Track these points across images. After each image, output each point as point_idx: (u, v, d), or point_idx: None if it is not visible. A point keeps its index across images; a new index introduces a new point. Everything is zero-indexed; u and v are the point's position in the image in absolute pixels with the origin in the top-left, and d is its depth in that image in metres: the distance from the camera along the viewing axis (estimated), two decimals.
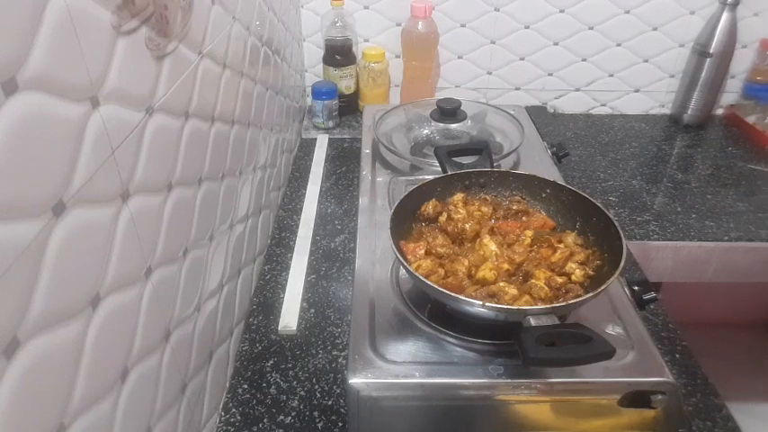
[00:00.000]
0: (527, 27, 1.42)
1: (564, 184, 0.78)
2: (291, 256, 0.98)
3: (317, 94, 1.35)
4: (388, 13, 1.40)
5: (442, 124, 1.08)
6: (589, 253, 0.68)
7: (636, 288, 0.70)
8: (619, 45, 1.44)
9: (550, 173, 0.92)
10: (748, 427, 0.68)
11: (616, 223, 0.67)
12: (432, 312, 0.67)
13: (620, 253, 0.62)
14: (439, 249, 0.70)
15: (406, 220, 0.74)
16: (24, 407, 0.33)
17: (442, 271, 0.67)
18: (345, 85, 1.43)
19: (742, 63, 1.43)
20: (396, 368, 0.60)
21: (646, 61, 1.46)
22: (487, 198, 0.79)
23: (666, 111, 1.53)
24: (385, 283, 0.72)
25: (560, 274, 0.65)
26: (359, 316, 0.67)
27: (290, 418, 0.71)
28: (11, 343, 0.32)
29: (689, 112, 1.44)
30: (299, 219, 1.08)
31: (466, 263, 0.67)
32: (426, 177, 0.80)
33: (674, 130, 1.46)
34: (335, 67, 1.40)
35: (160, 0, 0.51)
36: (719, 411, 0.71)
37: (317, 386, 0.75)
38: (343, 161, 1.28)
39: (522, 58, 1.46)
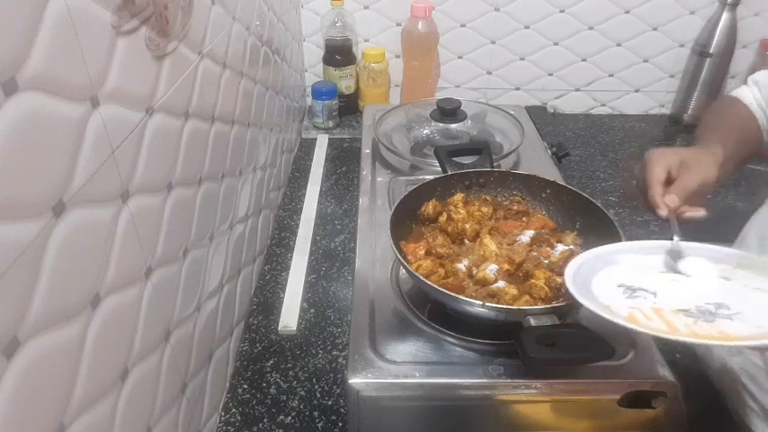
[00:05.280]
0: (527, 27, 1.42)
1: (564, 184, 0.78)
2: (291, 256, 0.98)
3: (317, 94, 1.35)
4: (388, 13, 1.40)
5: (442, 124, 1.08)
6: None
7: None
8: (619, 45, 1.44)
9: (550, 173, 0.92)
10: (751, 427, 0.68)
11: (616, 223, 0.67)
12: (432, 312, 0.67)
13: None
14: (439, 249, 0.70)
15: (406, 220, 0.74)
16: (24, 407, 0.33)
17: (442, 271, 0.67)
18: (345, 85, 1.43)
19: (742, 63, 1.43)
20: (396, 368, 0.60)
21: (646, 61, 1.46)
22: (487, 198, 0.79)
23: (666, 111, 1.53)
24: (385, 283, 0.72)
25: (560, 275, 0.65)
26: (359, 316, 0.67)
27: (290, 418, 0.71)
28: (11, 343, 0.32)
29: (689, 112, 1.44)
30: (299, 219, 1.08)
31: (466, 263, 0.67)
32: (426, 177, 0.80)
33: (674, 130, 1.46)
34: (335, 67, 1.40)
35: (160, 0, 0.51)
36: (721, 412, 0.71)
37: (316, 386, 0.75)
38: (343, 161, 1.28)
39: (522, 58, 1.46)
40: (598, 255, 0.61)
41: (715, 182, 0.64)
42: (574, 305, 0.55)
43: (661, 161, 0.65)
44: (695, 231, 1.08)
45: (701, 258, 0.60)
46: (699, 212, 0.63)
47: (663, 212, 0.62)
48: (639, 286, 0.56)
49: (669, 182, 0.64)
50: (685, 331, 0.49)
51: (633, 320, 0.50)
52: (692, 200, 0.63)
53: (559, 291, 0.63)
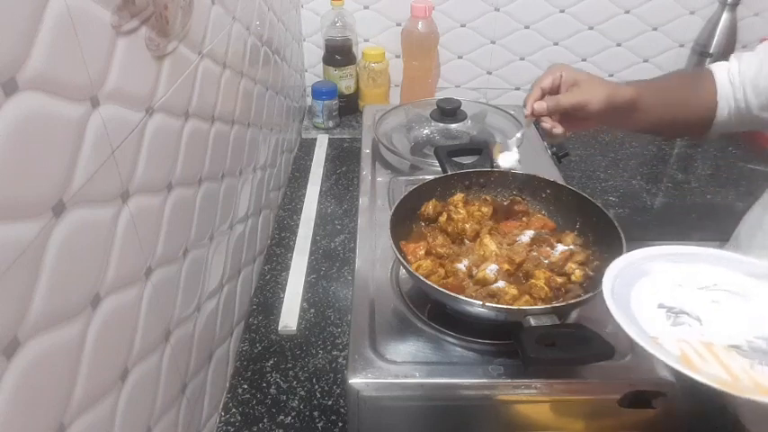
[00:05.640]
0: (527, 27, 1.42)
1: (564, 184, 0.78)
2: (291, 256, 0.98)
3: (317, 94, 1.35)
4: (388, 13, 1.40)
5: (442, 124, 1.08)
6: (589, 253, 0.68)
7: None
8: (619, 45, 1.44)
9: (550, 173, 0.92)
10: (752, 427, 0.68)
11: (616, 223, 0.67)
12: (432, 312, 0.67)
13: (620, 253, 0.62)
14: (439, 249, 0.70)
15: (406, 220, 0.74)
16: (24, 407, 0.33)
17: (442, 271, 0.67)
18: (345, 85, 1.43)
19: None
20: (396, 368, 0.60)
21: (646, 61, 1.46)
22: (487, 198, 0.79)
23: None
24: (385, 283, 0.72)
25: (560, 275, 0.65)
26: (359, 316, 0.67)
27: (290, 418, 0.71)
28: (11, 343, 0.32)
29: None
30: (299, 219, 1.08)
31: (466, 263, 0.67)
32: (426, 177, 0.80)
33: None
34: (335, 67, 1.40)
35: (160, 0, 0.51)
36: (721, 412, 0.71)
37: (316, 386, 0.75)
38: (343, 161, 1.28)
39: (522, 58, 1.46)
40: (630, 263, 0.58)
41: (597, 111, 0.67)
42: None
43: (555, 73, 0.69)
44: (693, 231, 1.09)
45: (738, 273, 0.57)
46: (556, 128, 0.68)
47: (526, 111, 0.68)
48: (681, 309, 0.54)
49: (554, 94, 0.69)
50: (747, 381, 0.46)
51: (687, 361, 0.47)
52: (566, 117, 0.68)
53: (559, 291, 0.63)
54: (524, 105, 0.69)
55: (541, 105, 0.66)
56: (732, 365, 0.48)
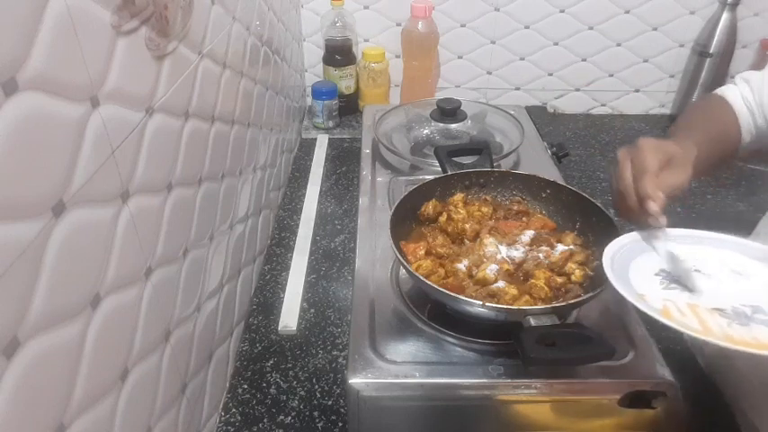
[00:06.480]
0: (527, 27, 1.42)
1: (564, 184, 0.78)
2: (291, 256, 0.98)
3: (317, 94, 1.35)
4: (388, 13, 1.40)
5: (442, 124, 1.08)
6: (589, 253, 0.68)
7: None
8: (619, 45, 1.44)
9: (550, 173, 0.92)
10: (751, 426, 0.68)
11: (616, 223, 0.67)
12: (432, 312, 0.67)
13: None
14: (439, 249, 0.70)
15: (406, 220, 0.74)
16: (24, 407, 0.33)
17: (442, 271, 0.67)
18: (345, 85, 1.43)
19: (742, 63, 1.43)
20: (396, 368, 0.60)
21: (646, 61, 1.46)
22: (487, 198, 0.79)
23: (666, 111, 1.53)
24: (385, 283, 0.72)
25: (560, 274, 0.65)
26: (359, 316, 0.67)
27: (290, 418, 0.71)
28: (11, 343, 0.32)
29: None
30: (299, 219, 1.08)
31: (466, 263, 0.67)
32: (426, 177, 0.80)
33: None
34: (335, 67, 1.40)
35: (160, 0, 0.51)
36: (721, 411, 0.71)
37: (316, 386, 0.75)
38: (343, 161, 1.28)
39: (522, 58, 1.46)
40: (635, 240, 0.60)
41: (687, 186, 0.61)
42: (608, 289, 0.54)
43: (658, 152, 0.60)
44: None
45: (738, 254, 0.58)
46: (663, 220, 0.59)
47: (654, 206, 0.57)
48: (676, 277, 0.55)
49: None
50: (719, 333, 0.47)
51: (667, 314, 0.49)
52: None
53: (559, 291, 0.63)
54: (641, 198, 0.57)
55: (661, 196, 0.58)
56: (710, 322, 0.49)
